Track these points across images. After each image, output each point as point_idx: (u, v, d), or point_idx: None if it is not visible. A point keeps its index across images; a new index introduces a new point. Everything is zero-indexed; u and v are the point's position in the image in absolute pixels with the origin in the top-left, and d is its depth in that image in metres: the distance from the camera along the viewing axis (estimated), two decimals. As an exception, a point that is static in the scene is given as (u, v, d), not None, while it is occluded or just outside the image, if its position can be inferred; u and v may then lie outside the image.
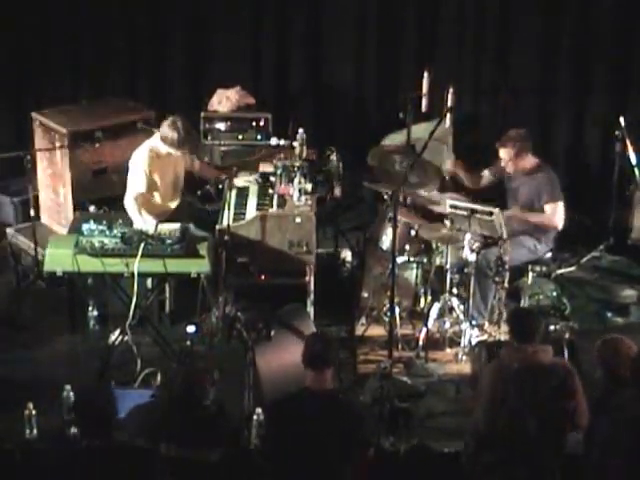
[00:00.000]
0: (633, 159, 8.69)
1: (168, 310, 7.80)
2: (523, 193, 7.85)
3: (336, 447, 5.49)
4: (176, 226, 7.20)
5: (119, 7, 9.38)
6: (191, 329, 7.06)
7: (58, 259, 7.07)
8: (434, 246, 7.63)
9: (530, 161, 7.81)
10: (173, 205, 7.84)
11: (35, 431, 6.15)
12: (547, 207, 7.79)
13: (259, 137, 8.86)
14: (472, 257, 7.32)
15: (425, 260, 7.69)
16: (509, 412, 5.72)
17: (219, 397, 5.59)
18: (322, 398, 5.55)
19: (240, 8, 9.43)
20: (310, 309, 7.43)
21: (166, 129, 7.57)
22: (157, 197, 7.75)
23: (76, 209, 8.15)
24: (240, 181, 7.94)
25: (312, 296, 7.48)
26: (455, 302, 7.55)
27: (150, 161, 7.60)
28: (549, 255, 7.85)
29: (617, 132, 8.73)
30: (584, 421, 5.78)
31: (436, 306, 7.57)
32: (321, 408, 5.51)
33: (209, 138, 8.81)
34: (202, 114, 8.79)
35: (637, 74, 9.33)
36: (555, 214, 7.78)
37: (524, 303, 7.52)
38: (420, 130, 8.15)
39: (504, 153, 7.76)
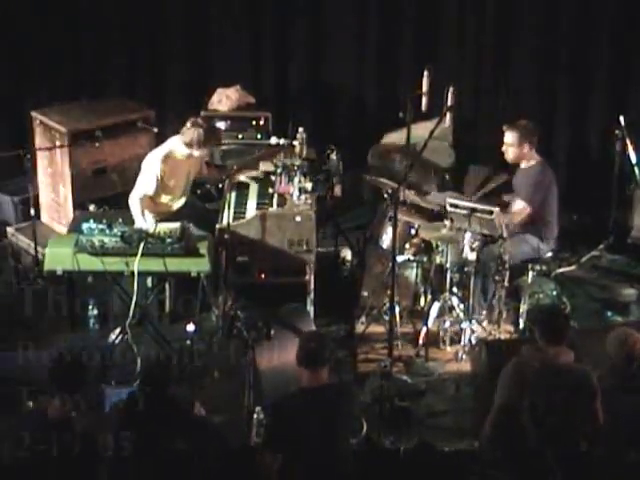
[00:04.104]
0: (633, 158, 8.70)
1: (168, 309, 7.79)
2: (518, 187, 7.84)
3: (342, 432, 5.61)
4: (176, 225, 7.20)
5: (119, 6, 9.38)
6: (191, 328, 7.08)
7: (58, 258, 7.07)
8: (434, 245, 7.63)
9: (531, 156, 7.78)
10: (178, 205, 7.84)
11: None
12: (518, 202, 7.69)
13: (259, 136, 8.88)
14: (472, 256, 7.32)
15: (425, 259, 7.69)
16: (525, 410, 5.69)
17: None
18: (318, 394, 5.55)
19: (240, 8, 9.44)
20: (310, 308, 7.43)
21: (189, 130, 7.53)
22: (165, 198, 7.74)
23: (76, 208, 8.15)
24: (243, 176, 7.95)
25: (312, 295, 7.48)
26: (455, 301, 7.55)
27: (164, 166, 7.57)
28: (549, 254, 7.84)
29: (617, 132, 8.74)
30: (600, 422, 5.77)
31: (436, 305, 7.57)
32: (319, 404, 5.51)
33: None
34: (202, 113, 8.78)
35: (637, 74, 9.33)
36: (517, 212, 7.68)
37: (524, 302, 7.51)
38: (420, 130, 8.14)
39: (509, 136, 7.72)
